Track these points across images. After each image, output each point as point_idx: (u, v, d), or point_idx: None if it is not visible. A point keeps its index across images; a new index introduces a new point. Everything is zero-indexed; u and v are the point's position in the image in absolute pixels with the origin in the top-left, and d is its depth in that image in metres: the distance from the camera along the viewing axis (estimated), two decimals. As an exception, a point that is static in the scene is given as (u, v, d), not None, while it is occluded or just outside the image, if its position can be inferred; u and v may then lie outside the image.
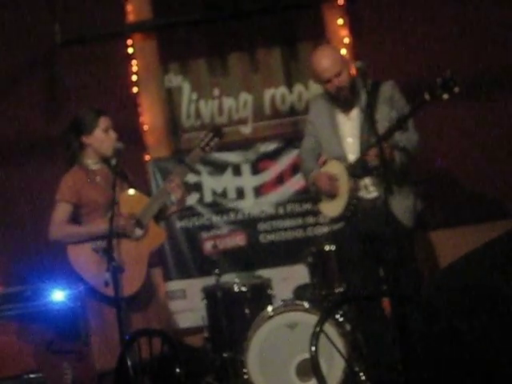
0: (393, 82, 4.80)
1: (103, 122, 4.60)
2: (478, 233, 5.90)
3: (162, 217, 4.77)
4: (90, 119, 4.60)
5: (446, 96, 4.24)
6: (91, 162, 4.63)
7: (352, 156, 4.75)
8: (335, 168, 4.81)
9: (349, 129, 4.81)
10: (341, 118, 4.84)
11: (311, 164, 5.01)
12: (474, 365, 1.22)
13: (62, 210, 4.59)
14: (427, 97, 4.29)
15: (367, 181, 4.75)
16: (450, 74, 4.23)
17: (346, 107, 4.81)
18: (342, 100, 4.78)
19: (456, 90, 4.22)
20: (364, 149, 4.64)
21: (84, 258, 4.52)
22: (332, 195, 4.83)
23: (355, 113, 4.78)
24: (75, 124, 4.63)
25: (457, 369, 1.24)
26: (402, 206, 4.68)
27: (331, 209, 4.88)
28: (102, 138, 4.59)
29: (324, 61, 4.72)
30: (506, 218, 6.09)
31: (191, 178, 6.35)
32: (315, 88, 6.46)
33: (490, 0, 6.25)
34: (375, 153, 4.41)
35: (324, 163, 4.97)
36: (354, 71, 4.85)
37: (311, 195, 5.16)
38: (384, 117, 4.59)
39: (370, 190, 4.76)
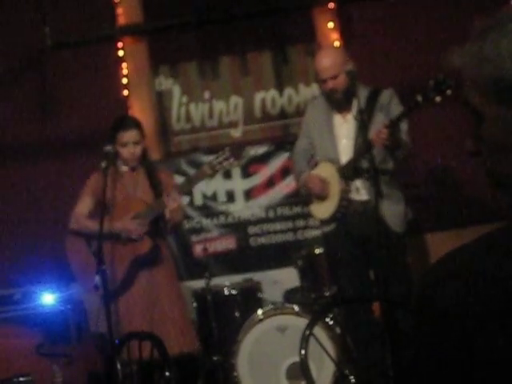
0: (392, 90, 4.82)
1: (119, 137, 4.74)
2: (471, 235, 5.88)
3: (164, 231, 4.86)
4: (112, 132, 4.76)
5: (438, 98, 4.23)
6: (120, 163, 4.82)
7: (345, 158, 4.76)
8: (326, 170, 4.82)
9: (344, 130, 4.83)
10: (337, 119, 4.87)
11: (302, 166, 5.03)
12: (473, 367, 1.20)
13: (83, 203, 4.78)
14: (419, 99, 4.29)
15: (358, 183, 4.76)
16: (443, 76, 4.22)
17: (343, 109, 4.84)
18: (334, 102, 4.81)
19: (449, 92, 4.21)
20: (357, 151, 4.66)
21: (81, 259, 4.59)
22: (322, 197, 4.84)
23: (352, 115, 4.80)
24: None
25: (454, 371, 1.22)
26: (393, 211, 4.69)
27: (322, 211, 4.89)
28: (120, 151, 4.75)
29: (323, 61, 4.78)
30: (498, 220, 6.09)
31: (181, 181, 6.35)
32: (306, 91, 6.49)
33: (479, 4, 6.27)
34: (386, 134, 4.42)
35: (316, 165, 4.98)
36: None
37: (302, 197, 5.17)
38: (378, 123, 4.59)
39: (360, 192, 4.77)
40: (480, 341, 1.17)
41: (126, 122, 4.85)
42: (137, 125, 4.83)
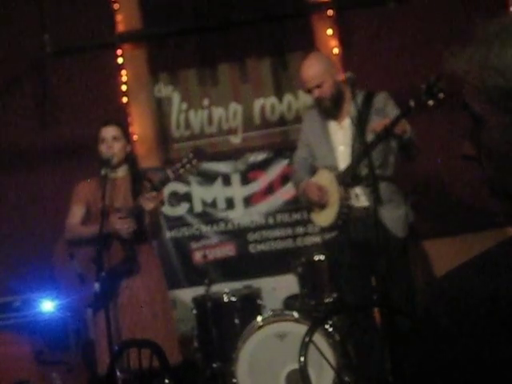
0: (386, 93, 4.79)
1: (99, 135, 4.69)
2: (469, 242, 5.91)
3: (147, 236, 4.71)
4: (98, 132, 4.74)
5: (431, 102, 4.19)
6: (108, 171, 4.61)
7: (343, 164, 4.74)
8: (325, 177, 4.81)
9: (341, 137, 4.81)
10: (333, 126, 4.85)
11: (302, 174, 5.01)
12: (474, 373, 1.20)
13: (73, 212, 4.72)
14: (412, 103, 4.27)
15: (358, 190, 4.73)
16: (435, 79, 4.19)
17: (338, 116, 4.82)
18: (324, 110, 4.80)
19: (441, 95, 4.17)
20: (355, 156, 4.65)
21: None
22: (322, 205, 4.83)
23: (348, 122, 4.79)
24: None
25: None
26: (393, 216, 4.67)
27: (322, 218, 4.87)
28: (100, 148, 4.69)
29: (306, 71, 4.75)
30: (495, 227, 6.09)
31: (181, 189, 6.38)
32: (305, 98, 6.49)
33: (476, 12, 6.28)
34: (401, 127, 4.41)
35: (315, 172, 4.96)
36: (342, 80, 4.86)
37: (303, 204, 5.15)
38: (375, 127, 4.58)
39: (360, 199, 4.75)
40: (480, 356, 1.17)
41: (106, 119, 4.80)
42: (117, 123, 4.78)
